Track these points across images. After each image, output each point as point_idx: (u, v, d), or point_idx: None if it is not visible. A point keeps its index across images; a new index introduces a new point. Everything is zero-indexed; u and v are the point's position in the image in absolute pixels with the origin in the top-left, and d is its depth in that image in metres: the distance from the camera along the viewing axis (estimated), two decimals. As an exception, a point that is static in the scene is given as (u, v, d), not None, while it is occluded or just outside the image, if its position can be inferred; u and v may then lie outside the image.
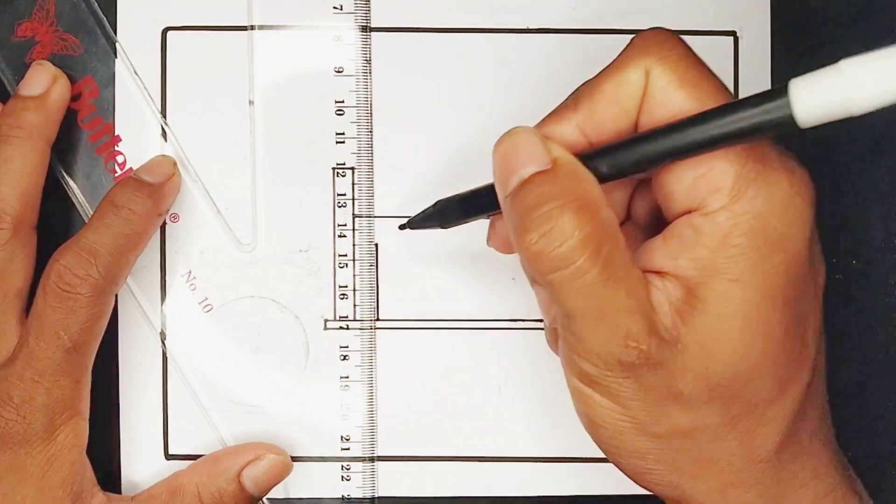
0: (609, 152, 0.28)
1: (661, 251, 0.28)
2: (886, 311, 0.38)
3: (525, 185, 0.28)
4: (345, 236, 0.39)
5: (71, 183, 0.39)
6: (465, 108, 0.39)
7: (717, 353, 0.27)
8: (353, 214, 0.39)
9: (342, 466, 0.39)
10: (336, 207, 0.39)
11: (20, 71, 0.38)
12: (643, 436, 0.28)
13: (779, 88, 0.25)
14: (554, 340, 0.32)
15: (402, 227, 0.35)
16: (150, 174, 0.37)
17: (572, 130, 0.29)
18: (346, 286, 0.39)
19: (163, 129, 0.39)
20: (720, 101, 0.27)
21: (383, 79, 0.39)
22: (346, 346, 0.39)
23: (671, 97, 0.28)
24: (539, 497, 0.39)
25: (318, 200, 0.39)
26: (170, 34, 0.39)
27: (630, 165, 0.28)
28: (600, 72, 0.29)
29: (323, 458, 0.39)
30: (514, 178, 0.28)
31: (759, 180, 0.27)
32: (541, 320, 0.39)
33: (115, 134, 0.39)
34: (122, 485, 0.39)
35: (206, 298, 0.39)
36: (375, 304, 0.39)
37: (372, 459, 0.39)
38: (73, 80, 0.38)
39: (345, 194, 0.39)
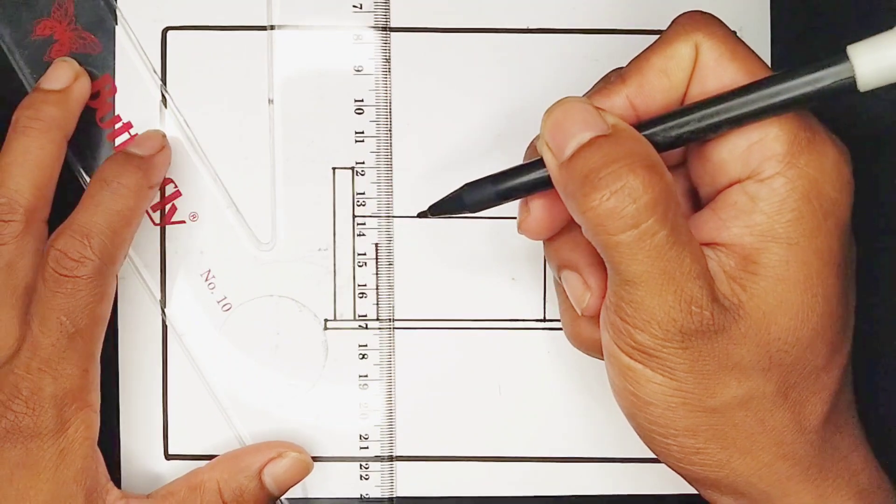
0: (665, 121, 0.29)
1: (711, 222, 0.29)
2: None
3: (587, 148, 0.28)
4: (364, 235, 0.39)
5: (89, 181, 0.39)
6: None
7: (779, 317, 0.28)
8: (373, 213, 0.39)
9: (360, 466, 0.39)
10: (355, 206, 0.39)
11: (39, 69, 0.38)
12: (696, 411, 0.28)
13: (837, 54, 0.27)
14: (594, 323, 0.31)
15: (421, 214, 0.34)
16: (138, 147, 0.37)
17: (622, 103, 0.30)
18: (364, 285, 0.39)
19: (182, 127, 0.39)
20: (767, 74, 0.29)
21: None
22: (365, 346, 0.39)
23: (724, 69, 0.29)
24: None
25: (337, 199, 0.39)
26: (170, 34, 0.39)
27: (688, 134, 0.29)
28: (647, 48, 0.30)
29: (341, 457, 0.39)
30: (571, 143, 0.28)
31: (810, 147, 0.28)
32: (539, 320, 0.39)
33: (134, 132, 0.39)
34: (122, 485, 0.39)
35: (225, 297, 0.39)
36: (393, 302, 0.39)
37: (390, 459, 0.39)
38: (91, 79, 0.38)
39: (364, 193, 0.39)
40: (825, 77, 0.27)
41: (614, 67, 0.32)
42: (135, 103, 0.39)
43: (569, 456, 0.39)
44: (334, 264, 0.39)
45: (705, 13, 0.30)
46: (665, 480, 0.39)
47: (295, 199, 0.39)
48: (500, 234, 0.39)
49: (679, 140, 0.29)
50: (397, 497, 0.39)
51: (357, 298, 0.39)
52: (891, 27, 0.27)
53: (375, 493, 0.39)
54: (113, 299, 0.36)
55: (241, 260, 0.39)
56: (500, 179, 0.31)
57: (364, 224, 0.39)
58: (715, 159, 0.29)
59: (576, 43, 0.39)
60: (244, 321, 0.39)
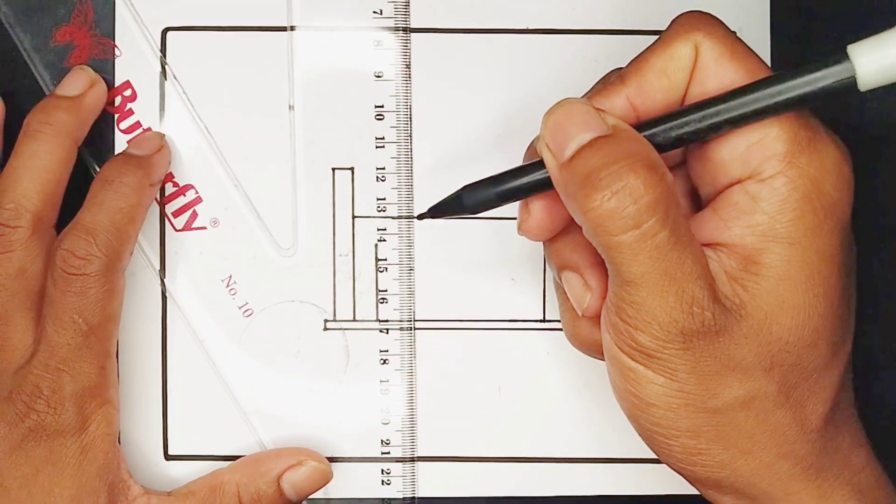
0: (665, 122, 0.29)
1: (712, 222, 0.29)
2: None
3: (587, 148, 0.28)
4: (385, 240, 0.39)
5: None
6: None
7: (781, 317, 0.28)
8: (393, 218, 0.39)
9: (382, 470, 0.39)
10: (376, 211, 0.39)
11: (58, 75, 0.38)
12: (698, 412, 0.29)
13: (837, 54, 0.27)
14: (595, 324, 0.32)
15: (421, 216, 0.34)
16: (137, 148, 0.37)
17: (622, 103, 0.30)
18: (385, 290, 0.39)
19: (203, 133, 0.39)
20: (767, 73, 0.29)
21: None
22: (386, 350, 0.39)
23: (724, 69, 0.29)
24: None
25: (357, 204, 0.39)
26: (169, 34, 0.39)
27: (689, 134, 0.29)
28: (646, 49, 0.30)
29: (363, 458, 0.39)
30: (572, 144, 0.28)
31: (811, 147, 0.28)
32: (539, 320, 0.39)
33: (154, 138, 0.39)
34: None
35: (247, 303, 0.39)
36: (414, 307, 0.39)
37: (412, 460, 0.39)
38: (111, 85, 0.38)
39: (384, 198, 0.39)
40: (826, 77, 0.27)
41: (614, 68, 0.32)
42: (155, 108, 0.39)
43: (569, 456, 0.39)
44: (354, 269, 0.39)
45: (705, 13, 0.30)
46: (668, 481, 0.39)
47: (315, 205, 0.39)
48: (500, 234, 0.39)
49: (680, 140, 0.29)
50: (419, 498, 0.39)
51: (378, 304, 0.39)
52: (891, 26, 0.27)
53: (398, 496, 0.39)
54: (123, 297, 0.36)
55: (262, 266, 0.39)
56: (499, 181, 0.31)
57: (384, 229, 0.39)
58: (715, 159, 0.29)
59: (576, 43, 0.39)
60: (266, 327, 0.39)
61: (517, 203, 0.32)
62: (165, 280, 0.39)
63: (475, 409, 0.39)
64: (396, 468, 0.39)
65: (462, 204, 0.32)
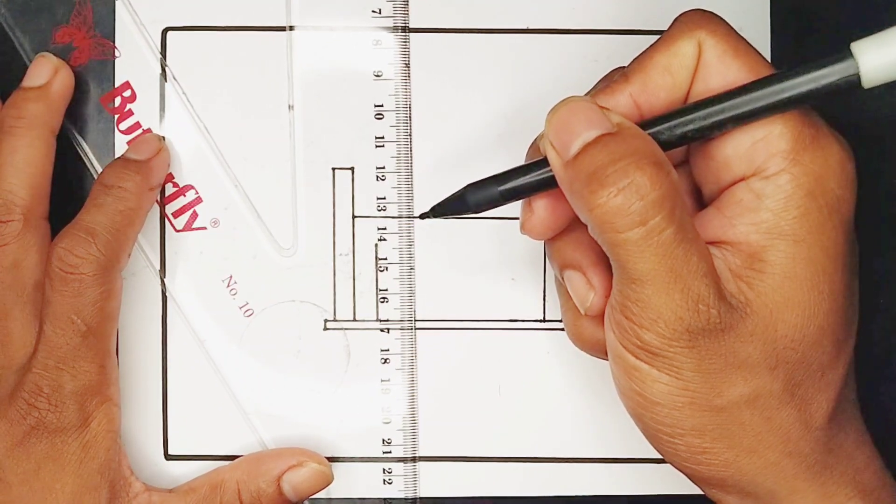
0: (669, 119, 0.29)
1: (716, 220, 0.29)
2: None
3: (592, 146, 0.28)
4: (385, 240, 0.39)
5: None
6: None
7: (786, 314, 0.28)
8: (393, 217, 0.39)
9: (384, 470, 0.39)
10: (376, 211, 0.39)
11: (58, 77, 0.38)
12: (703, 410, 0.28)
13: (841, 51, 0.27)
14: (597, 323, 0.32)
15: (423, 215, 0.33)
16: (136, 152, 0.37)
17: (626, 101, 0.30)
18: (385, 290, 0.39)
19: (203, 133, 0.39)
20: (770, 71, 0.29)
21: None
22: (387, 350, 0.39)
23: (727, 66, 0.29)
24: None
25: (357, 204, 0.39)
26: (169, 34, 0.39)
27: (693, 132, 0.29)
28: (650, 46, 0.30)
29: (364, 458, 0.39)
30: (577, 141, 0.28)
31: (814, 144, 0.28)
32: (539, 320, 0.39)
33: (154, 139, 0.39)
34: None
35: (247, 303, 0.39)
36: (414, 306, 0.39)
37: (413, 460, 0.39)
38: (111, 86, 0.38)
39: (384, 198, 0.39)
40: (830, 74, 0.27)
41: (616, 67, 0.32)
42: (154, 109, 0.39)
43: (569, 456, 0.39)
44: (354, 269, 0.39)
45: (707, 11, 0.30)
46: (669, 481, 0.39)
47: (315, 205, 0.39)
48: (501, 234, 0.39)
49: (684, 138, 0.29)
50: (420, 498, 0.39)
51: (378, 303, 0.39)
52: (894, 24, 0.27)
53: (399, 496, 0.39)
54: (121, 297, 0.36)
55: (262, 266, 0.39)
56: (503, 180, 0.31)
57: (385, 229, 0.39)
58: (719, 157, 0.29)
59: (576, 43, 0.39)
60: (266, 327, 0.39)
61: (518, 202, 0.32)
62: (166, 280, 0.39)
63: (475, 409, 0.39)
64: (398, 468, 0.39)
65: (466, 203, 0.32)
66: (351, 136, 0.39)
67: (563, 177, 0.29)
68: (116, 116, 0.39)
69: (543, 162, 0.30)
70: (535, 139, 0.32)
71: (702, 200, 0.32)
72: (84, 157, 0.39)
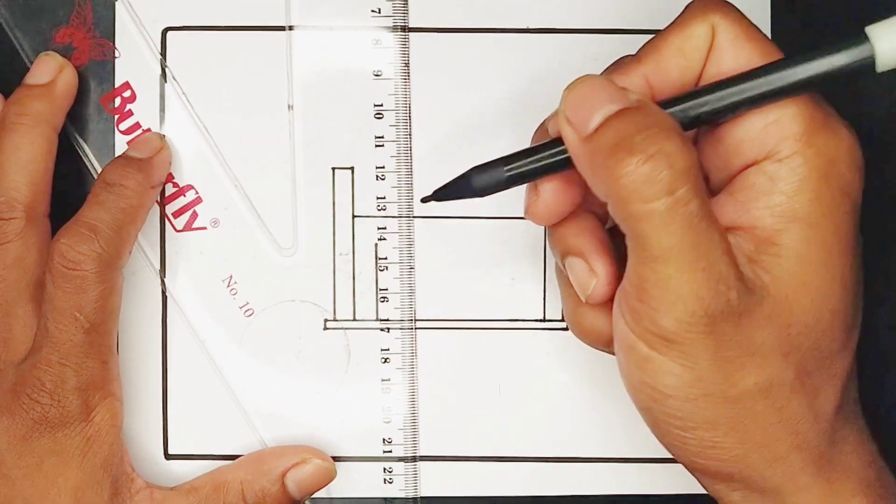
0: (683, 101, 0.29)
1: (728, 206, 0.29)
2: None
3: (615, 118, 0.27)
4: (385, 239, 0.39)
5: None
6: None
7: (801, 298, 0.28)
8: (393, 217, 0.39)
9: (384, 469, 0.39)
10: (376, 210, 0.39)
11: (58, 77, 0.38)
12: (716, 402, 0.28)
13: (856, 34, 0.27)
14: (598, 313, 0.31)
15: (424, 199, 0.32)
16: (137, 151, 0.37)
17: (640, 82, 0.30)
18: (385, 289, 0.39)
19: (203, 133, 0.39)
20: (781, 56, 0.29)
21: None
22: (387, 349, 0.39)
23: (740, 50, 0.29)
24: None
25: (357, 204, 0.39)
26: (169, 34, 0.39)
27: (707, 114, 0.29)
28: (663, 29, 0.30)
29: (364, 457, 0.39)
30: (596, 116, 0.28)
31: (826, 128, 0.28)
32: (540, 320, 0.39)
33: (154, 139, 0.39)
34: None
35: (248, 303, 0.39)
36: (414, 306, 0.39)
37: (414, 459, 0.39)
38: (111, 86, 0.38)
39: (384, 197, 0.39)
40: (844, 57, 0.28)
41: (624, 55, 0.32)
42: (154, 109, 0.39)
43: (570, 456, 0.39)
44: (354, 268, 0.39)
45: None
46: (671, 480, 0.39)
47: (315, 204, 0.39)
48: (500, 234, 0.39)
49: (697, 120, 0.29)
50: (421, 497, 0.39)
51: (379, 303, 0.39)
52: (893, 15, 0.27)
53: (400, 495, 0.39)
54: (122, 294, 0.36)
55: (262, 265, 0.39)
56: (510, 161, 0.30)
57: (384, 228, 0.39)
58: (730, 141, 0.29)
59: (576, 43, 0.39)
60: (266, 327, 0.39)
61: (517, 202, 0.32)
62: (166, 280, 0.39)
63: (475, 409, 0.39)
64: (398, 467, 0.39)
65: (471, 185, 0.31)
66: (351, 135, 0.39)
67: (581, 152, 0.28)
68: (116, 117, 0.39)
69: (553, 143, 0.30)
70: (544, 121, 0.32)
71: (709, 189, 0.31)
72: (84, 158, 0.39)
